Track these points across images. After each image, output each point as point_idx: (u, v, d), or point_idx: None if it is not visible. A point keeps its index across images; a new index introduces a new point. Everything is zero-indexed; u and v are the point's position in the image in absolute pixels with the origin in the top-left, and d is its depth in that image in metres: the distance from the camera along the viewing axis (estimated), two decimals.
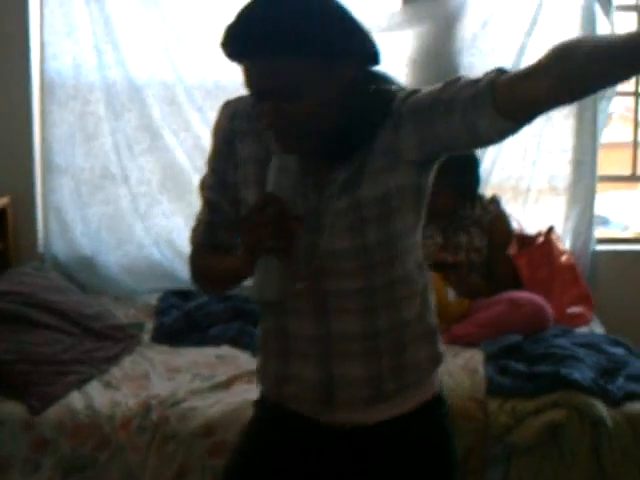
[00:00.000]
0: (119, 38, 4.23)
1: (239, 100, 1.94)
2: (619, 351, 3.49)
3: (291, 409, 1.99)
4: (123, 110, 4.30)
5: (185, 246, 4.28)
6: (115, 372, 3.50)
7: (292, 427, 2.02)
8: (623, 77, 1.56)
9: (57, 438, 3.10)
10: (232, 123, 1.92)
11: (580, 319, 3.97)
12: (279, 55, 1.66)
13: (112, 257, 4.41)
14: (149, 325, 4.05)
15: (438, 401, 2.02)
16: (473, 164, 3.91)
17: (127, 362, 3.61)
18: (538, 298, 3.71)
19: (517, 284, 3.94)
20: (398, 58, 4.27)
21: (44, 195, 4.38)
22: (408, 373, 1.93)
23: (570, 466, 3.05)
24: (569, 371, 3.17)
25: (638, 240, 4.71)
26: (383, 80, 1.86)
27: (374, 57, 1.79)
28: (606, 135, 4.49)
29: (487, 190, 4.20)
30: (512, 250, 3.99)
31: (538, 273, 3.97)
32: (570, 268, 4.09)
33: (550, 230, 4.13)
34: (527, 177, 4.38)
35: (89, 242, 4.39)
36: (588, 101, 4.13)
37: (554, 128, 4.29)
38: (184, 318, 4.00)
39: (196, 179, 4.20)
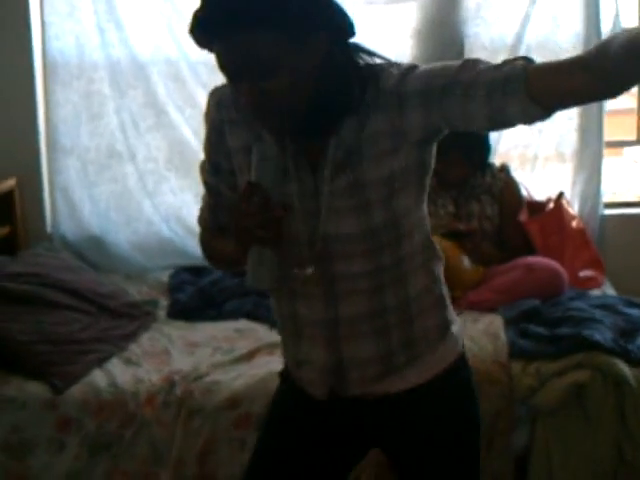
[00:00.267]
0: (121, 16, 4.21)
1: (225, 87, 1.90)
2: (635, 312, 3.50)
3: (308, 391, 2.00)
4: (128, 88, 4.28)
5: (193, 222, 4.30)
6: (134, 349, 3.50)
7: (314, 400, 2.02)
8: None
9: (81, 417, 3.11)
10: (219, 112, 1.90)
11: (592, 282, 4.00)
12: (251, 29, 1.62)
13: (121, 235, 4.40)
14: (163, 302, 4.04)
15: (458, 366, 2.02)
16: (483, 134, 3.91)
17: (145, 339, 3.62)
18: (553, 263, 3.74)
19: (528, 250, 3.95)
20: (403, 29, 4.25)
21: (51, 176, 4.36)
22: (417, 344, 1.94)
23: (595, 426, 3.07)
24: (590, 332, 3.18)
25: None
26: (365, 53, 1.83)
27: (348, 29, 1.75)
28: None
29: (495, 159, 4.20)
30: (523, 217, 4.01)
31: (550, 238, 3.99)
32: (581, 233, 4.12)
33: (560, 196, 4.15)
34: (534, 145, 4.38)
35: (98, 221, 4.38)
36: None
37: None
38: (199, 294, 4.00)
39: (202, 155, 4.24)
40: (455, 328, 2.01)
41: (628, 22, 4.21)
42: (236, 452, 3.10)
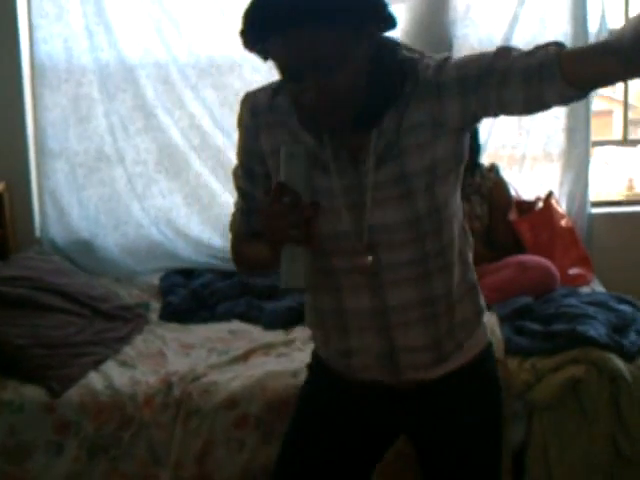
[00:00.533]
0: (110, 19, 4.21)
1: (258, 92, 1.93)
2: (626, 308, 3.55)
3: (357, 378, 2.03)
4: (117, 91, 4.28)
5: (183, 224, 4.36)
6: (128, 351, 3.50)
7: (353, 389, 2.06)
8: None
9: (79, 419, 3.10)
10: (253, 117, 1.92)
11: (581, 279, 4.05)
12: (316, 25, 1.62)
13: (111, 239, 4.39)
14: (154, 305, 4.04)
15: (488, 354, 2.09)
16: (473, 133, 3.93)
17: (139, 341, 3.62)
18: (545, 261, 3.79)
19: (517, 249, 4.00)
20: (392, 30, 4.26)
21: (39, 180, 4.35)
22: (460, 331, 1.99)
23: (591, 420, 3.11)
24: (585, 328, 3.22)
25: (630, 202, 4.77)
26: (403, 46, 1.86)
27: (392, 22, 1.77)
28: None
29: (484, 159, 4.24)
30: (512, 216, 4.05)
31: (540, 237, 4.05)
32: (569, 231, 4.17)
33: (550, 195, 4.20)
34: (522, 145, 4.42)
35: (87, 225, 4.37)
36: None
37: None
38: (191, 296, 4.01)
39: (192, 157, 4.29)
40: (485, 316, 2.08)
41: (615, 23, 4.26)
42: (235, 453, 3.11)
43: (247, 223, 2.02)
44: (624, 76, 1.63)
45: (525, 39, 4.25)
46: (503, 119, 4.26)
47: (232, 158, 4.19)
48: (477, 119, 1.83)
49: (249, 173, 1.97)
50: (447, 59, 1.81)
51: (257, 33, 1.67)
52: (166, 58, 4.28)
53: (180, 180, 4.36)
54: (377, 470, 2.21)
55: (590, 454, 3.10)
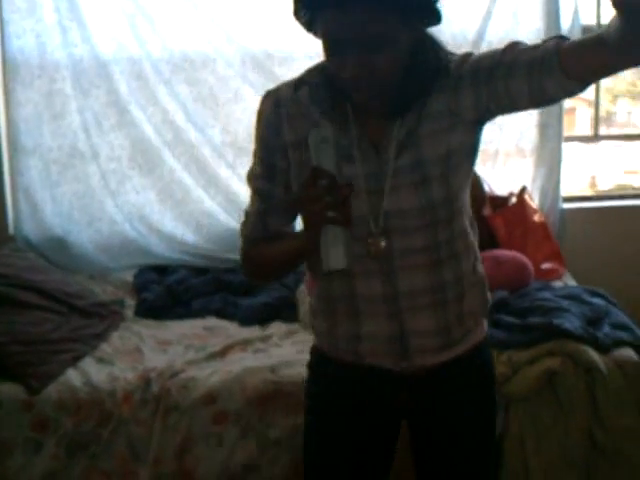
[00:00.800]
0: (84, 14, 4.17)
1: (280, 88, 2.00)
2: (599, 301, 3.60)
3: (365, 364, 2.05)
4: (90, 87, 4.25)
5: (157, 220, 4.34)
6: (105, 348, 3.50)
7: (357, 377, 2.09)
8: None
9: (58, 416, 3.10)
10: (277, 110, 1.96)
11: (554, 274, 4.10)
12: (369, 3, 1.68)
13: (84, 236, 4.37)
14: (129, 301, 4.04)
15: (485, 344, 2.15)
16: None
17: (115, 338, 3.61)
18: (519, 255, 3.83)
19: (491, 244, 4.01)
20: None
21: (12, 176, 4.32)
22: (468, 319, 2.04)
23: (567, 411, 3.15)
24: (560, 321, 3.27)
25: (601, 197, 4.83)
26: (442, 45, 1.92)
27: (438, 17, 1.83)
28: None
29: None
30: (486, 211, 4.08)
31: (513, 232, 4.09)
32: (542, 226, 4.21)
33: (523, 190, 4.24)
34: (495, 140, 4.44)
35: (60, 222, 4.34)
36: None
37: None
38: (166, 292, 4.02)
39: (165, 153, 4.28)
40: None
41: (587, 19, 4.31)
42: (214, 448, 3.12)
43: (263, 226, 2.05)
44: (618, 66, 1.67)
45: (498, 35, 4.29)
46: None
47: (205, 153, 4.27)
48: (491, 112, 1.89)
49: (270, 170, 1.99)
50: (469, 55, 1.89)
51: (314, 3, 1.76)
52: (140, 53, 4.26)
53: (154, 176, 4.35)
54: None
55: (566, 445, 3.14)
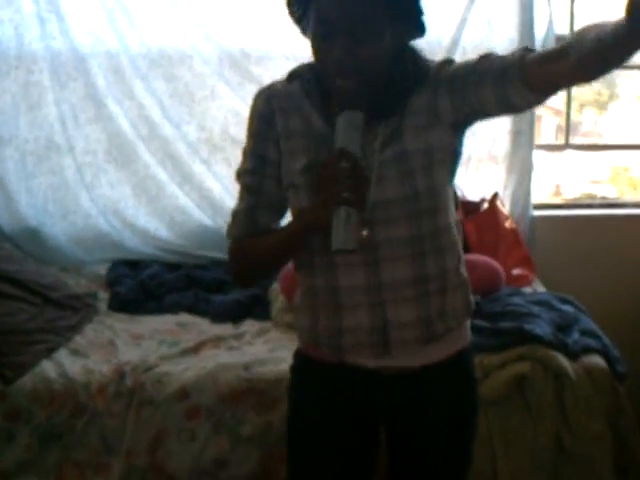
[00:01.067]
0: (62, 7, 4.16)
1: (273, 84, 2.10)
2: (568, 308, 3.65)
3: (348, 364, 2.09)
4: (68, 80, 4.24)
5: (131, 215, 4.34)
6: (79, 340, 3.51)
7: (340, 378, 2.13)
8: (626, 56, 1.61)
9: (32, 407, 3.10)
10: (270, 103, 2.05)
11: (523, 280, 4.15)
12: None
13: (58, 228, 4.36)
14: (102, 294, 4.04)
15: (468, 351, 2.21)
16: None
17: (89, 330, 3.62)
18: (491, 260, 3.87)
19: (463, 249, 4.04)
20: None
21: None
22: (451, 317, 2.09)
23: (535, 415, 3.19)
24: (531, 326, 3.32)
25: (571, 205, 4.89)
26: (418, 53, 2.02)
27: (422, 29, 1.97)
28: None
29: None
30: (458, 216, 4.11)
31: (485, 238, 4.14)
32: (513, 232, 4.27)
33: (495, 196, 4.29)
34: (468, 147, 4.40)
35: (35, 213, 4.33)
36: None
37: None
38: (139, 287, 4.03)
39: (141, 147, 4.29)
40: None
41: (561, 28, 4.36)
42: (186, 443, 3.13)
43: (254, 221, 2.08)
44: (578, 79, 1.76)
45: (473, 42, 4.34)
46: None
47: (180, 150, 4.29)
48: (468, 117, 1.97)
49: (261, 163, 2.06)
50: (448, 62, 2.00)
51: None
52: (117, 48, 4.25)
53: (129, 170, 4.35)
54: None
55: (534, 448, 3.18)
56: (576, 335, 3.41)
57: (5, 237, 4.26)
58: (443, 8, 4.35)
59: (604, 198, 5.23)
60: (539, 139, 4.88)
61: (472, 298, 2.17)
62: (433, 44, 4.31)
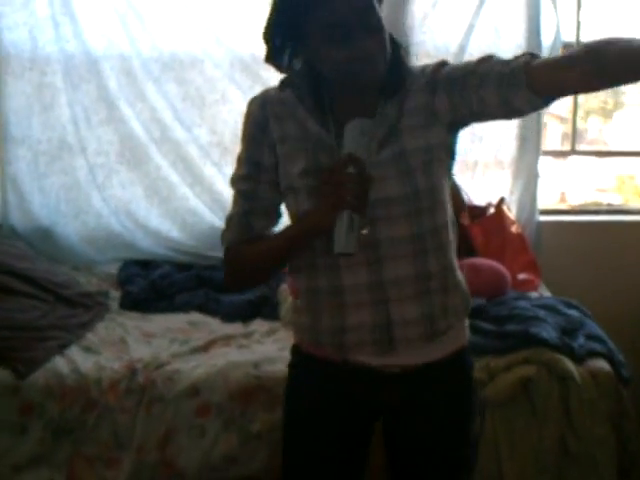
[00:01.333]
0: (76, 10, 4.23)
1: (266, 91, 2.13)
2: (574, 313, 3.68)
3: (349, 361, 2.11)
4: (81, 82, 4.30)
5: (143, 216, 4.39)
6: (91, 337, 3.56)
7: (340, 375, 2.15)
8: None
9: (44, 402, 3.15)
10: (263, 110, 2.08)
11: (529, 285, 4.17)
12: None
13: (70, 227, 4.41)
14: (113, 293, 4.09)
15: (466, 351, 2.22)
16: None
17: (101, 328, 3.67)
18: (497, 264, 3.90)
19: (468, 252, 4.10)
20: None
21: (1, 167, 4.35)
22: (452, 314, 2.11)
23: (541, 418, 3.21)
24: (537, 330, 3.34)
25: (577, 211, 4.93)
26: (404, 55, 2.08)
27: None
28: None
29: None
30: (465, 220, 4.16)
31: (491, 242, 4.17)
32: (519, 237, 4.30)
33: (501, 201, 4.34)
34: (475, 151, 4.53)
35: (47, 213, 4.39)
36: None
37: None
38: (150, 286, 4.08)
39: (152, 149, 4.34)
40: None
41: (568, 36, 4.41)
42: (196, 439, 3.18)
43: (249, 226, 2.11)
44: (587, 89, 1.87)
45: (480, 48, 4.38)
46: None
47: (191, 152, 4.34)
48: (465, 118, 2.01)
49: (256, 168, 2.09)
50: (445, 62, 2.03)
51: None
52: (130, 51, 4.32)
53: (140, 172, 4.41)
54: None
55: (539, 451, 3.20)
56: (581, 339, 3.44)
57: (18, 236, 4.31)
58: (451, 14, 4.40)
59: (610, 205, 5.27)
60: (545, 146, 4.91)
61: (469, 294, 2.20)
62: (440, 50, 4.38)
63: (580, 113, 5.29)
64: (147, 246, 4.44)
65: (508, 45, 4.40)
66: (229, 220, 2.13)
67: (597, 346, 3.42)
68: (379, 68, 1.93)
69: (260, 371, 3.26)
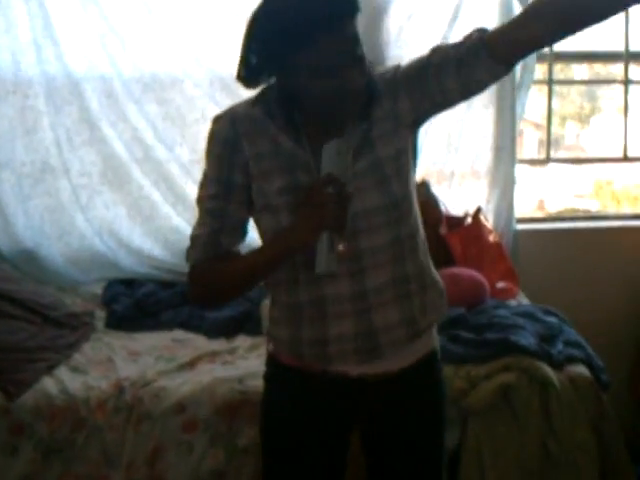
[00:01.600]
0: (57, 33, 4.26)
1: (233, 108, 2.14)
2: (553, 320, 3.74)
3: (329, 370, 2.16)
4: (63, 104, 4.33)
5: (126, 235, 4.42)
6: (78, 358, 3.60)
7: (317, 385, 2.20)
8: (611, 11, 1.80)
9: (34, 422, 3.19)
10: (234, 128, 2.08)
11: (508, 293, 4.22)
12: (352, 17, 1.89)
13: (55, 249, 4.43)
14: (99, 313, 4.12)
15: (437, 350, 2.29)
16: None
17: (87, 348, 3.71)
18: (476, 273, 3.96)
19: (448, 262, 4.16)
20: None
21: None
22: (430, 311, 2.18)
23: (522, 424, 3.26)
24: (516, 338, 3.40)
25: (554, 219, 5.00)
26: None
27: None
28: None
29: (415, 175, 4.39)
30: (443, 230, 4.22)
31: (469, 251, 4.22)
32: (497, 246, 4.35)
33: (478, 211, 4.39)
34: (451, 162, 4.58)
35: (31, 235, 4.41)
36: (507, 90, 4.39)
37: (475, 116, 4.50)
38: (135, 305, 4.12)
39: (135, 169, 4.38)
40: None
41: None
42: (184, 455, 3.23)
43: (217, 245, 2.12)
44: (551, 39, 1.92)
45: None
46: (433, 136, 4.46)
47: (173, 171, 4.39)
48: (427, 111, 2.07)
49: (226, 188, 2.09)
50: (399, 66, 2.07)
51: (302, 33, 1.85)
52: (111, 72, 4.35)
53: (123, 192, 4.44)
54: None
55: (521, 457, 3.25)
56: (560, 345, 3.50)
57: (3, 258, 4.34)
58: (425, 28, 4.45)
59: (587, 211, 5.33)
60: (522, 154, 4.98)
61: (444, 297, 2.27)
62: None
63: (556, 119, 5.36)
64: (130, 265, 4.47)
65: None
66: (195, 239, 2.13)
67: (576, 352, 3.48)
68: (361, 97, 1.97)
69: (245, 386, 3.30)
